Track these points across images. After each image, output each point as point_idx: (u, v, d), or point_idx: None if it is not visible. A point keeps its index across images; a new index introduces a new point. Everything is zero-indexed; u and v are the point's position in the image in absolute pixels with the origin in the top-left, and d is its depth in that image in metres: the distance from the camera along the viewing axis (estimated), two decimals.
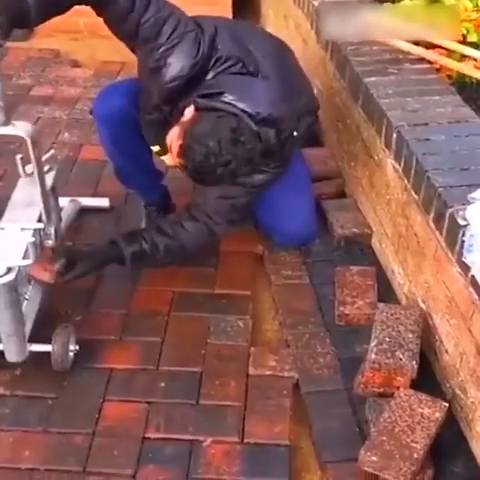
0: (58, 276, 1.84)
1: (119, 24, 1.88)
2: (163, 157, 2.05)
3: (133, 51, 1.95)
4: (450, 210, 1.67)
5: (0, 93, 1.65)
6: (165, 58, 1.85)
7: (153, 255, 2.01)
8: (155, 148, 2.07)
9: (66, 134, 3.01)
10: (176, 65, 1.85)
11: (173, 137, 1.82)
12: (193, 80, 1.87)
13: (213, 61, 1.88)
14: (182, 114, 1.84)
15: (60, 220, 2.16)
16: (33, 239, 1.82)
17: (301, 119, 2.01)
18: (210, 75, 1.88)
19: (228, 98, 1.80)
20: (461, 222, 1.62)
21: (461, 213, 1.64)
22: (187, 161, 1.77)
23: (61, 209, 2.22)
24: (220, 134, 1.73)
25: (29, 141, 1.75)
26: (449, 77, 2.32)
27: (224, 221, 2.06)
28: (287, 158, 2.02)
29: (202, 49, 1.86)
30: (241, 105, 1.79)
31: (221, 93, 1.81)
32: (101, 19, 1.94)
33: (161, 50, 1.85)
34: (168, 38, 1.85)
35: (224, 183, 1.85)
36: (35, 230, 1.87)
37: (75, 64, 3.66)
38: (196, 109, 1.81)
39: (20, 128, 1.73)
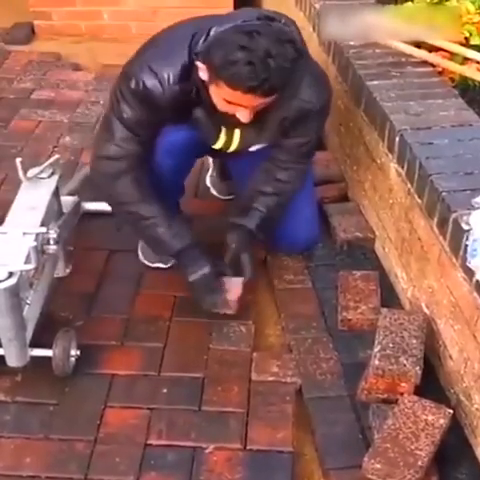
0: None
1: None
2: (232, 148, 1.99)
3: None
4: (454, 215, 1.66)
5: None
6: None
7: (272, 217, 2.10)
8: (219, 144, 1.99)
9: (67, 138, 2.99)
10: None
11: (216, 100, 1.78)
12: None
13: None
14: (206, 88, 1.80)
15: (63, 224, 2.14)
16: (35, 244, 1.81)
17: None
18: None
19: (218, 28, 1.74)
20: (465, 227, 1.61)
21: (465, 218, 1.63)
22: (242, 86, 1.67)
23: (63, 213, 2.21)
24: (233, 43, 1.65)
25: None
26: (452, 80, 2.31)
27: (307, 160, 2.11)
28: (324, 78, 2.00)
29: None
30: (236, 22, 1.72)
31: (209, 30, 1.76)
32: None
33: None
34: None
35: (297, 73, 1.74)
36: (37, 234, 1.86)
37: (76, 67, 3.64)
38: (203, 62, 1.75)
39: None
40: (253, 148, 2.03)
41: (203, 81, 1.79)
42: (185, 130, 1.97)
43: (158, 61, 1.85)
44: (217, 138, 1.97)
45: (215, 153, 2.11)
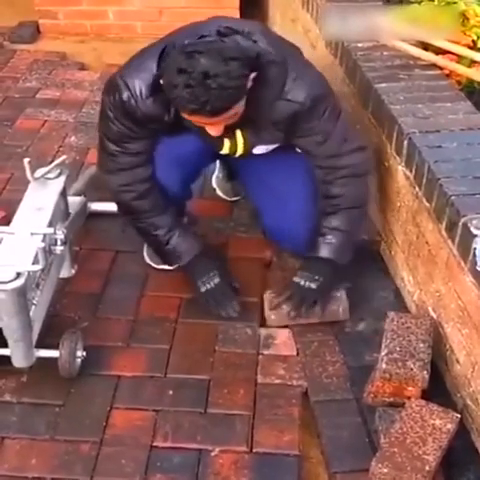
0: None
1: None
2: (239, 151, 1.97)
3: None
4: (463, 219, 1.65)
5: None
6: None
7: (359, 229, 2.10)
8: (225, 149, 1.97)
9: (73, 137, 2.99)
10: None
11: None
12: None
13: None
14: None
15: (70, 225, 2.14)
16: (43, 244, 1.80)
17: None
18: None
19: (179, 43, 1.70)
20: (474, 231, 1.61)
21: (475, 222, 1.62)
22: (185, 109, 1.68)
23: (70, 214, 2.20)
24: (174, 65, 1.64)
25: None
26: (458, 83, 2.31)
27: (349, 145, 1.99)
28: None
29: None
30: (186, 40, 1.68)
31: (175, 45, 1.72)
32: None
33: None
34: None
35: (272, 79, 1.75)
36: (45, 235, 1.85)
37: (81, 67, 3.63)
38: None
39: None
40: (258, 150, 2.01)
41: None
42: (192, 140, 1.95)
43: (131, 73, 1.84)
44: (222, 144, 1.96)
45: (224, 158, 2.09)
